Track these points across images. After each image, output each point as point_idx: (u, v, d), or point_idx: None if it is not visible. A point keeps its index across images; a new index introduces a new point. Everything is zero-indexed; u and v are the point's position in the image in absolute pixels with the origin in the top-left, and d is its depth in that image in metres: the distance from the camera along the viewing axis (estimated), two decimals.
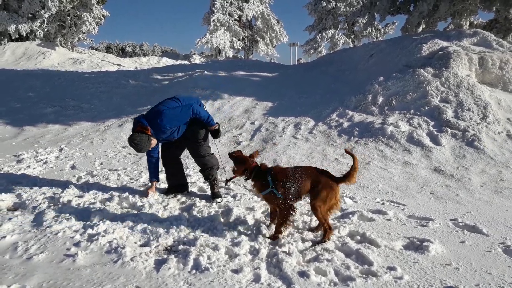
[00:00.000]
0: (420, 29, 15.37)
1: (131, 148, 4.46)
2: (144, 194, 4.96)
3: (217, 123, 4.82)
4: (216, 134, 4.81)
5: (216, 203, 4.72)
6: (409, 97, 8.19)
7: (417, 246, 3.57)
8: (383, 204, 4.82)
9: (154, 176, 4.97)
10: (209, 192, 5.04)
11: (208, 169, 4.85)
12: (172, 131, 4.57)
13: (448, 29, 14.90)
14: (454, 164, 6.14)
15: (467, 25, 15.03)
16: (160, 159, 5.03)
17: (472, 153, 6.36)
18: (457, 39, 10.45)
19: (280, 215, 3.73)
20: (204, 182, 5.46)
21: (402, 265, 3.23)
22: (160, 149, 5.01)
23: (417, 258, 3.34)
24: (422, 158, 6.38)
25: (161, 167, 5.02)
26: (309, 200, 3.76)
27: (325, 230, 3.68)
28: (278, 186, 3.71)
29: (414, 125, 7.31)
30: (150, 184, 5.09)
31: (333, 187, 3.69)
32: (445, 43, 9.97)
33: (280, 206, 3.72)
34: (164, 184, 5.48)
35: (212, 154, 4.92)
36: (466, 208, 4.72)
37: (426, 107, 7.76)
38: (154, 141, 4.52)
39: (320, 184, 3.66)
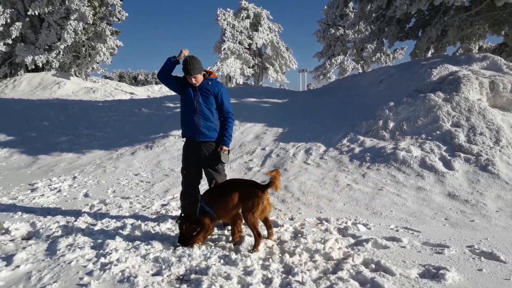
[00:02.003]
0: (429, 54, 15.48)
1: (185, 64, 4.47)
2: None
3: (228, 149, 4.87)
4: (225, 157, 4.81)
5: (228, 230, 4.70)
6: (420, 122, 8.17)
7: (433, 274, 3.49)
8: (397, 231, 4.75)
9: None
10: (220, 220, 5.02)
11: None
12: (208, 101, 4.65)
13: (457, 54, 14.99)
14: (468, 189, 6.05)
15: (476, 49, 15.13)
16: (182, 187, 5.05)
17: (486, 177, 6.27)
18: (467, 63, 10.47)
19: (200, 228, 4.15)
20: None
21: None
22: (182, 179, 5.02)
23: (434, 287, 3.27)
24: (436, 183, 6.31)
25: (172, 194, 5.02)
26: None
27: (255, 236, 4.07)
28: (207, 202, 4.18)
29: (426, 150, 7.26)
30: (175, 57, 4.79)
31: (258, 194, 4.09)
32: (454, 68, 10.00)
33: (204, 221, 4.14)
34: (175, 212, 5.49)
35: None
36: (482, 235, 4.62)
37: (438, 132, 7.72)
38: (201, 77, 4.59)
39: (246, 195, 4.09)
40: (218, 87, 4.67)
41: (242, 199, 4.13)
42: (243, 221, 4.27)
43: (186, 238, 4.19)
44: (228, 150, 4.86)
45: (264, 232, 4.42)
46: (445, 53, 15.14)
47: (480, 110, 7.90)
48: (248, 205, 4.08)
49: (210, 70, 4.79)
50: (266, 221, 4.39)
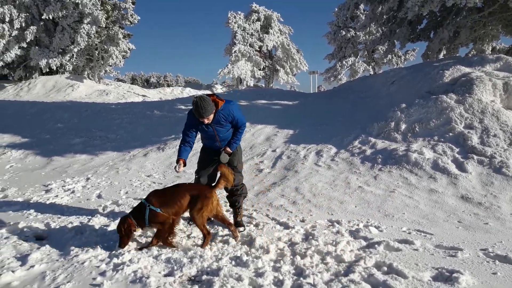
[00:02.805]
0: (441, 56, 15.34)
1: (193, 109, 4.40)
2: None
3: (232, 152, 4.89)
4: (226, 158, 4.81)
5: (239, 232, 4.71)
6: (432, 124, 8.09)
7: (446, 277, 3.46)
8: (409, 233, 4.72)
9: (182, 155, 4.68)
10: (232, 221, 5.04)
11: (236, 196, 4.90)
12: (224, 126, 4.66)
13: (470, 55, 14.82)
14: (482, 191, 5.97)
15: (490, 51, 14.95)
16: None
17: (500, 180, 6.19)
18: (480, 64, 10.36)
19: (163, 230, 4.24)
20: (227, 210, 5.45)
21: None
22: (194, 180, 5.05)
23: None
24: (448, 185, 6.24)
25: None
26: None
27: (204, 235, 4.29)
28: (154, 204, 4.24)
29: (438, 152, 7.20)
30: (176, 164, 4.68)
31: (207, 195, 4.34)
32: (467, 69, 9.89)
33: (165, 221, 4.21)
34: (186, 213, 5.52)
35: (243, 184, 5.00)
36: (496, 238, 4.56)
37: (450, 134, 7.64)
38: (212, 116, 4.50)
39: (195, 196, 4.30)
40: (229, 112, 4.60)
41: (191, 201, 4.33)
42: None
43: (122, 240, 4.20)
44: (230, 153, 4.85)
45: (225, 230, 4.72)
46: (457, 55, 14.99)
47: (494, 112, 7.80)
48: (197, 205, 4.28)
49: (213, 96, 4.61)
50: (223, 220, 4.54)
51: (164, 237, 4.23)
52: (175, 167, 4.64)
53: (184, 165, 4.68)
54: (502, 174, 6.28)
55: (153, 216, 4.21)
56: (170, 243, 4.25)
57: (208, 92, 32.73)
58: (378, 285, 3.34)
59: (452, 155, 7.01)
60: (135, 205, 4.53)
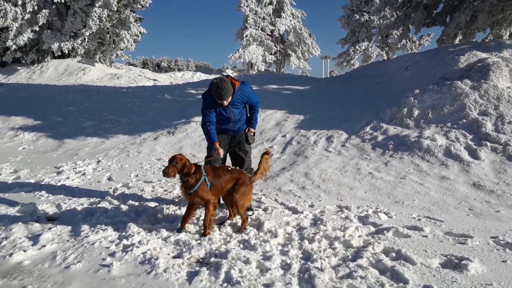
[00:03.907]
0: (457, 41, 14.99)
1: (212, 91, 4.40)
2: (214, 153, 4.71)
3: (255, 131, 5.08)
4: (252, 139, 5.02)
5: (247, 216, 4.72)
6: (446, 110, 7.96)
7: (455, 264, 3.43)
8: (419, 220, 4.68)
9: (214, 139, 4.66)
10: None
11: None
12: (238, 106, 4.71)
13: (486, 40, 14.45)
14: (495, 179, 5.88)
15: (507, 36, 14.53)
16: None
17: None
18: (497, 50, 10.11)
19: (207, 211, 4.16)
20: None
21: (439, 284, 3.11)
22: (204, 159, 5.05)
23: (455, 277, 3.21)
24: (460, 172, 6.16)
25: None
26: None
27: (243, 220, 4.33)
28: (209, 178, 4.19)
29: (451, 138, 7.08)
30: (212, 147, 4.67)
31: (250, 183, 4.45)
32: (483, 55, 9.67)
33: (207, 200, 4.15)
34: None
35: (252, 168, 4.99)
36: (507, 226, 4.50)
37: (464, 120, 7.51)
38: (230, 98, 4.53)
39: (240, 181, 4.31)
40: (244, 93, 4.67)
41: (233, 185, 4.32)
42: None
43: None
44: (254, 132, 5.06)
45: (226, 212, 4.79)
46: (473, 40, 14.64)
47: (510, 98, 7.63)
48: (241, 190, 4.29)
49: (228, 78, 4.56)
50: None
51: (207, 217, 4.17)
52: (214, 153, 4.65)
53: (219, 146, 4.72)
54: None
55: (203, 188, 4.15)
56: (211, 226, 4.21)
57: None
58: (386, 271, 3.32)
59: (465, 142, 6.90)
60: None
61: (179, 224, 4.39)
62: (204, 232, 4.13)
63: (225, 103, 4.53)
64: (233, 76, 4.81)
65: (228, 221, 4.57)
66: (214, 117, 4.73)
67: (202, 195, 4.13)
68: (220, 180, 4.26)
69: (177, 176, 4.15)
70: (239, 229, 4.30)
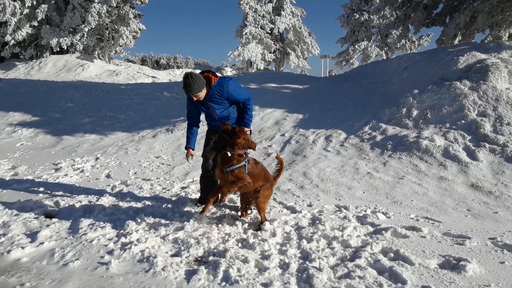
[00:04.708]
0: (456, 41, 15.01)
1: (184, 85, 4.33)
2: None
3: (250, 129, 4.85)
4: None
5: (247, 214, 4.73)
6: (444, 111, 7.97)
7: (453, 265, 3.44)
8: (417, 220, 4.68)
9: (189, 143, 4.82)
10: (239, 204, 5.05)
11: None
12: (221, 103, 4.56)
13: (486, 41, 14.48)
14: (493, 180, 5.90)
15: (506, 37, 14.55)
16: (201, 172, 5.08)
17: None
18: (496, 51, 10.12)
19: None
20: (234, 193, 5.46)
21: (437, 285, 3.12)
22: (202, 163, 5.06)
23: (453, 278, 3.22)
24: (459, 173, 6.17)
25: (192, 177, 5.10)
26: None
27: (262, 221, 4.33)
28: (248, 168, 4.12)
29: (450, 139, 7.10)
30: (186, 151, 4.87)
31: (273, 184, 4.56)
32: (483, 56, 9.68)
33: (242, 178, 4.04)
34: (195, 195, 5.54)
35: None
36: (505, 227, 4.51)
37: (463, 121, 7.52)
38: (204, 92, 4.41)
39: (267, 185, 4.34)
40: (223, 89, 4.45)
41: (264, 186, 4.31)
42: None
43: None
44: (250, 131, 4.83)
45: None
46: (473, 41, 14.66)
47: (509, 100, 7.65)
48: (265, 192, 4.31)
49: (208, 73, 4.54)
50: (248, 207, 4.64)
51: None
52: (188, 157, 4.84)
53: (193, 152, 4.84)
54: None
55: (241, 170, 4.07)
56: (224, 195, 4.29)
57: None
58: (384, 271, 3.33)
59: (463, 143, 6.92)
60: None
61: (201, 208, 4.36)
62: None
63: (195, 98, 4.42)
64: (215, 73, 4.63)
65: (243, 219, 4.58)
66: (194, 113, 4.77)
67: (238, 175, 4.03)
68: (254, 176, 4.20)
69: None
70: (257, 228, 4.29)
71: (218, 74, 4.57)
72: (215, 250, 3.72)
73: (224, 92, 4.46)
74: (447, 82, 8.73)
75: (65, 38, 25.39)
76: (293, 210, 4.95)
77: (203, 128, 5.08)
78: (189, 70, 4.43)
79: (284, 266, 3.42)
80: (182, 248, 3.76)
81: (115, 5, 26.25)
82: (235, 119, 4.80)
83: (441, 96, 8.33)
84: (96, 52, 29.29)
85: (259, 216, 4.42)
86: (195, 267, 3.43)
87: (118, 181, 6.43)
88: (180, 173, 6.87)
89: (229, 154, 4.05)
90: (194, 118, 4.82)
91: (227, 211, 4.89)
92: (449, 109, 7.96)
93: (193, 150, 4.85)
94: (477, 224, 4.62)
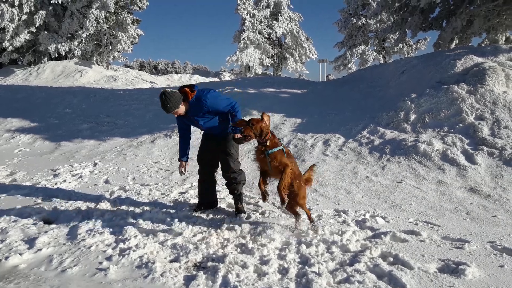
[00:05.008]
0: (453, 45, 15.08)
1: (161, 104, 4.35)
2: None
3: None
4: (239, 141, 4.78)
5: (239, 218, 4.72)
6: (442, 114, 7.99)
7: (453, 269, 3.44)
8: (416, 224, 4.68)
9: (183, 155, 4.90)
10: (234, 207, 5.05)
11: (234, 184, 4.86)
12: (204, 114, 4.52)
13: (482, 45, 14.55)
14: (491, 183, 5.91)
15: (503, 40, 14.65)
16: (199, 177, 5.09)
17: (510, 172, 6.10)
18: (493, 54, 10.17)
19: (285, 174, 4.00)
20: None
21: None
22: (199, 168, 5.07)
23: (453, 282, 3.22)
24: (457, 177, 6.18)
25: (191, 182, 5.09)
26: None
27: (309, 214, 4.40)
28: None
29: (448, 143, 7.11)
30: (179, 163, 4.95)
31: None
32: (480, 59, 9.72)
33: (286, 164, 4.00)
34: (193, 200, 5.53)
35: (241, 170, 4.95)
36: (504, 230, 4.52)
37: (461, 125, 7.54)
38: (182, 108, 4.40)
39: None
40: (202, 103, 4.41)
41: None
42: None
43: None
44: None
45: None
46: (470, 44, 14.73)
47: (506, 103, 7.68)
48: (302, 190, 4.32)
49: (187, 87, 4.49)
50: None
51: (283, 181, 4.00)
52: (181, 168, 4.91)
53: (186, 164, 4.94)
54: None
55: (281, 153, 4.04)
56: (286, 190, 4.05)
57: (214, 79, 32.54)
58: (384, 276, 3.32)
59: (461, 147, 6.93)
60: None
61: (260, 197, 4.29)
62: (281, 198, 4.02)
63: (175, 115, 4.50)
64: (196, 85, 4.54)
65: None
66: (183, 126, 4.83)
67: (281, 158, 4.01)
68: (293, 162, 4.20)
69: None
70: (309, 225, 4.34)
71: (197, 87, 4.50)
72: (214, 256, 3.71)
73: (203, 106, 4.43)
74: (445, 85, 8.76)
75: (63, 44, 25.46)
76: (291, 215, 4.93)
77: (196, 135, 5.10)
78: (166, 89, 4.39)
79: (283, 271, 3.41)
80: (181, 253, 3.75)
81: (113, 11, 26.35)
82: (227, 123, 4.74)
83: (439, 100, 8.35)
84: (94, 58, 29.37)
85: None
86: (194, 272, 3.42)
87: (116, 186, 6.42)
88: (179, 179, 6.85)
89: (268, 143, 4.02)
90: (184, 130, 4.87)
91: (226, 216, 4.89)
92: (447, 112, 7.98)
93: (185, 162, 4.92)
94: (476, 227, 4.62)
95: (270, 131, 4.05)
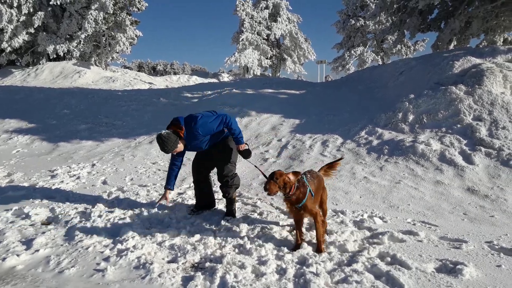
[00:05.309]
0: (451, 46, 15.11)
1: (157, 144, 4.38)
2: (158, 201, 4.99)
3: (245, 143, 4.84)
4: (247, 154, 4.79)
5: (227, 221, 4.67)
6: (440, 115, 8.01)
7: (450, 269, 3.44)
8: (414, 224, 4.69)
9: (169, 184, 4.84)
10: (236, 210, 5.03)
11: (228, 187, 4.83)
12: (202, 140, 4.57)
13: (481, 46, 14.58)
14: (489, 184, 5.92)
15: (501, 42, 14.67)
16: (193, 179, 5.11)
17: (507, 173, 6.12)
18: (491, 56, 10.19)
19: (318, 223, 3.87)
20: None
21: None
22: (191, 169, 5.08)
23: (450, 282, 3.22)
24: (455, 177, 6.19)
25: (189, 183, 5.08)
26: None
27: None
28: (312, 189, 3.95)
29: (446, 143, 7.12)
30: (164, 190, 4.92)
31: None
32: (478, 60, 9.74)
33: (316, 213, 3.89)
34: (191, 200, 5.52)
35: (236, 174, 4.92)
36: (502, 230, 4.52)
37: (458, 125, 7.56)
38: (181, 146, 4.48)
39: (323, 183, 4.40)
40: (195, 134, 4.46)
41: (323, 187, 4.39)
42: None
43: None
44: (246, 144, 4.85)
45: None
46: (468, 45, 14.76)
47: (504, 104, 7.70)
48: (326, 192, 4.47)
49: (175, 126, 4.47)
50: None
51: (320, 231, 3.87)
52: (161, 198, 4.88)
53: (169, 195, 4.98)
54: (509, 167, 6.21)
55: (310, 201, 3.88)
56: (324, 239, 3.94)
57: (213, 80, 32.55)
58: (381, 276, 3.32)
59: (459, 147, 6.94)
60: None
61: (294, 244, 4.00)
62: (318, 247, 3.83)
63: (175, 153, 4.56)
64: (179, 120, 4.50)
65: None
66: (179, 160, 4.83)
67: (311, 208, 3.87)
68: (319, 187, 4.16)
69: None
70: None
71: (182, 121, 4.49)
72: (212, 256, 3.71)
73: (198, 135, 4.48)
74: (443, 86, 8.77)
75: (61, 45, 25.40)
76: (289, 216, 4.93)
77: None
78: (161, 132, 4.39)
79: (281, 272, 3.41)
80: (179, 254, 3.75)
81: (112, 12, 26.31)
82: (223, 133, 4.76)
83: (437, 100, 8.37)
84: (93, 59, 29.31)
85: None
86: (192, 273, 3.41)
87: (114, 187, 6.41)
88: (177, 179, 6.83)
89: (293, 198, 3.83)
90: (177, 159, 4.85)
91: (224, 217, 4.87)
92: (445, 113, 8.00)
93: (171, 191, 4.91)
94: (473, 227, 4.62)
95: (293, 182, 3.80)
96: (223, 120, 4.53)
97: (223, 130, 4.66)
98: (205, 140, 4.64)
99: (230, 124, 4.56)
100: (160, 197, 5.09)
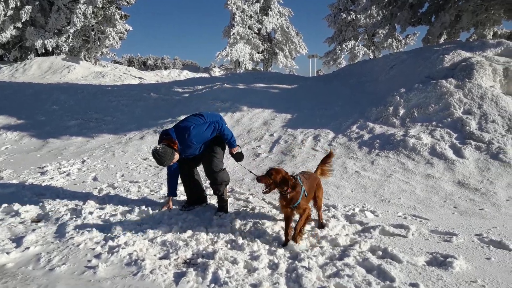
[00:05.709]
0: (441, 40, 15.19)
1: (154, 160, 4.52)
2: (162, 207, 5.03)
3: (238, 145, 4.93)
4: (239, 157, 4.90)
5: (219, 216, 4.68)
6: (431, 109, 8.05)
7: (441, 262, 3.47)
8: (405, 218, 4.72)
9: (172, 192, 5.03)
10: (228, 205, 5.02)
11: (217, 184, 4.83)
12: (196, 147, 4.66)
13: (471, 40, 14.68)
14: (479, 177, 5.97)
15: (491, 35, 14.79)
16: (180, 175, 5.09)
17: (497, 166, 6.18)
18: (481, 49, 10.26)
19: (304, 216, 3.94)
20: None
21: (425, 282, 3.14)
22: (182, 177, 5.11)
23: (441, 275, 3.25)
24: (445, 171, 6.24)
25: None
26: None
27: (321, 217, 4.44)
28: (306, 189, 3.99)
29: (436, 137, 7.17)
30: (167, 198, 5.11)
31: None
32: (468, 54, 9.80)
33: (305, 209, 3.95)
34: (183, 196, 5.50)
35: (224, 169, 4.91)
36: (491, 223, 4.57)
37: (449, 119, 7.61)
38: (177, 156, 4.58)
39: (319, 182, 4.47)
40: (190, 144, 4.55)
41: (318, 185, 4.43)
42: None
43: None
44: (239, 147, 4.99)
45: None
46: (458, 39, 14.85)
47: (493, 97, 7.76)
48: (321, 190, 4.51)
49: (167, 139, 4.54)
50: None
51: (301, 223, 3.91)
52: (167, 205, 5.01)
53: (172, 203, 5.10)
54: (499, 160, 6.27)
55: (304, 201, 3.94)
56: (302, 233, 3.95)
57: (204, 75, 32.39)
58: (373, 269, 3.34)
59: (449, 141, 6.99)
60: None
61: (283, 239, 3.99)
62: (294, 236, 3.86)
63: (172, 163, 4.62)
64: (172, 137, 4.55)
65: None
66: (174, 167, 4.88)
67: (304, 207, 3.94)
68: (311, 187, 4.21)
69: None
70: (321, 226, 4.32)
71: (173, 133, 4.55)
72: (204, 252, 3.70)
73: (192, 145, 4.59)
74: (433, 80, 8.82)
75: (50, 39, 25.08)
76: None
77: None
78: (156, 147, 4.42)
79: (273, 266, 3.42)
80: (171, 250, 3.73)
81: (101, 6, 25.99)
82: (210, 137, 4.75)
83: (428, 94, 8.41)
84: (82, 54, 28.99)
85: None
86: (184, 269, 3.40)
87: (105, 184, 6.36)
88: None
89: (289, 195, 3.87)
90: (174, 168, 4.93)
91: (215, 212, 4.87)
92: (435, 107, 8.05)
93: (175, 197, 5.12)
94: (463, 221, 4.67)
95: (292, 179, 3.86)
96: (216, 127, 4.64)
97: (208, 138, 4.71)
98: (199, 147, 4.72)
99: (222, 130, 4.68)
100: (163, 203, 5.16)
